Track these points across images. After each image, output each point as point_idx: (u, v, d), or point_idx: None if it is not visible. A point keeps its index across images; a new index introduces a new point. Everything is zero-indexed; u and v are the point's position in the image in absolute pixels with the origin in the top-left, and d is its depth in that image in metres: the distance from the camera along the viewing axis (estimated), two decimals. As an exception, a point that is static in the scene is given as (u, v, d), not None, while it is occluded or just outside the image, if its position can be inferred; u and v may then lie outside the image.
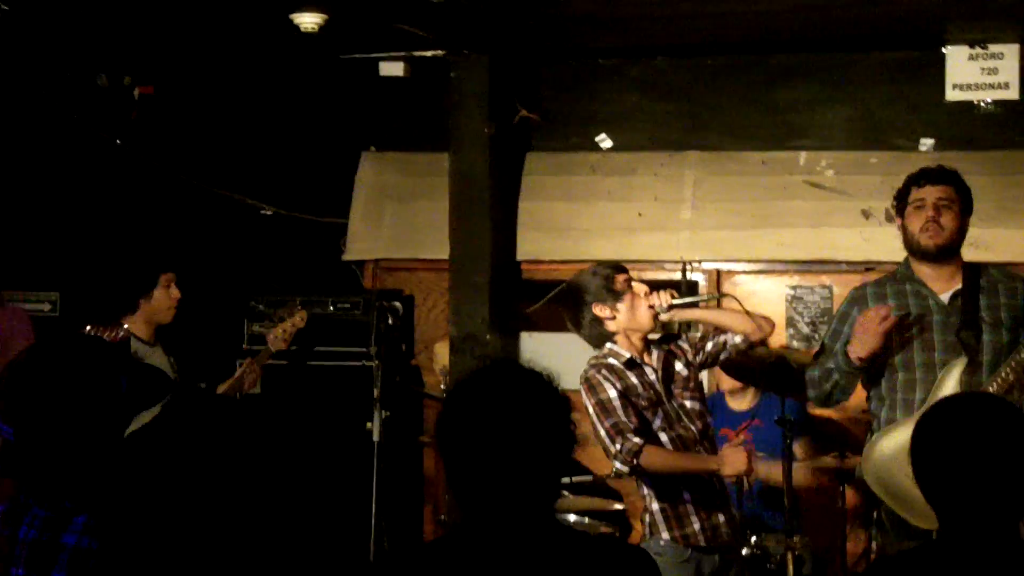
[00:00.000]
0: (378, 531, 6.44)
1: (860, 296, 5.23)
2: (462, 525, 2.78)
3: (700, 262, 7.78)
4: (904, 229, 5.10)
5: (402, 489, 7.32)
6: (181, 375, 6.38)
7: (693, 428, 5.01)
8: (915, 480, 2.98)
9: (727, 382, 6.60)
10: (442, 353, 7.73)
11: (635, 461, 4.78)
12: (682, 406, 5.03)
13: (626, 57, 7.95)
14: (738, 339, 5.17)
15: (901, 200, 5.14)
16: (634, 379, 4.98)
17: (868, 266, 7.56)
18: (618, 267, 5.19)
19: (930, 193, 5.01)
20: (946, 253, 5.06)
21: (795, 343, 7.65)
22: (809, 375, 5.27)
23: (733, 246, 7.73)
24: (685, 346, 5.24)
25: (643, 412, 4.93)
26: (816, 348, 5.51)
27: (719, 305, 6.13)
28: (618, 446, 4.81)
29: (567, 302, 5.20)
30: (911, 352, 5.00)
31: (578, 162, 8.03)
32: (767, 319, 5.23)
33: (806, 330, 7.67)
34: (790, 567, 5.38)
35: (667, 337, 5.32)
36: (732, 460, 4.79)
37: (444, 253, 7.76)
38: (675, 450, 4.93)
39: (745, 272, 7.83)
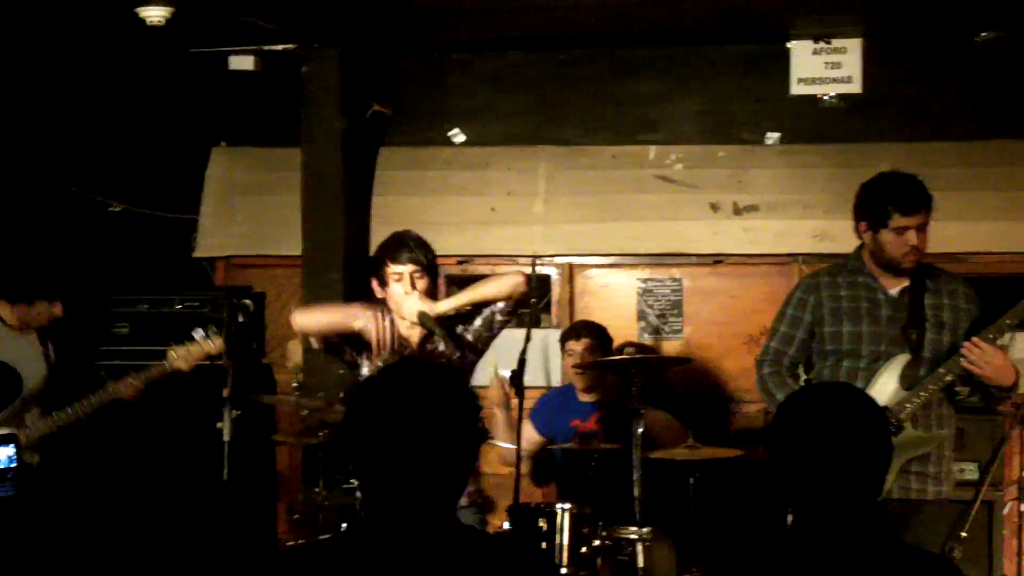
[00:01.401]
0: (230, 530, 6.37)
1: (814, 284, 5.29)
2: (365, 521, 2.80)
3: (553, 256, 7.82)
4: (878, 244, 5.09)
5: (255, 488, 7.24)
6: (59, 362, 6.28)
7: None
8: (771, 466, 3.02)
9: (579, 380, 6.64)
10: (295, 351, 7.66)
11: None
12: None
13: (478, 51, 7.97)
14: (501, 305, 5.32)
15: (876, 216, 5.10)
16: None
17: (717, 259, 7.69)
18: (407, 256, 5.19)
19: (913, 221, 5.03)
20: None
21: (645, 336, 7.74)
22: (760, 375, 5.35)
23: (585, 240, 7.79)
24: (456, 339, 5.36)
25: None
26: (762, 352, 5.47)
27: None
28: None
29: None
30: (859, 342, 5.11)
31: (431, 157, 8.03)
32: (519, 275, 5.36)
33: (656, 322, 7.76)
34: (641, 556, 5.44)
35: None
36: None
37: (297, 249, 7.71)
38: None
39: (597, 266, 7.88)
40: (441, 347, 5.21)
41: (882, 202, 5.07)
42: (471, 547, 2.75)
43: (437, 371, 2.81)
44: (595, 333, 6.65)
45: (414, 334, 5.28)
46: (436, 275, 5.34)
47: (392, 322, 5.19)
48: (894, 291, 5.14)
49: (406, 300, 5.13)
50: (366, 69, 7.88)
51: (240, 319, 6.69)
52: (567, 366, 6.74)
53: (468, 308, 5.27)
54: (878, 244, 5.08)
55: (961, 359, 4.88)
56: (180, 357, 6.23)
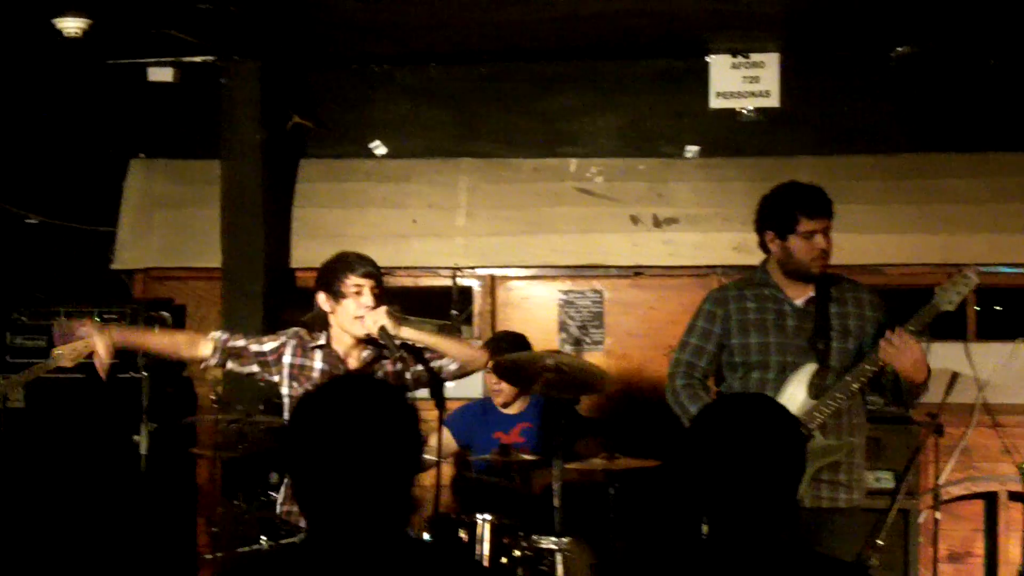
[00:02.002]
0: (148, 544, 6.32)
1: (722, 297, 5.33)
2: (309, 536, 2.76)
3: (474, 268, 7.83)
4: (786, 251, 5.14)
5: (174, 502, 7.18)
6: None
7: None
8: (686, 478, 3.03)
9: (500, 391, 6.63)
10: (214, 364, 7.59)
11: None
12: None
13: (399, 64, 7.96)
14: (454, 366, 5.34)
15: (782, 223, 5.16)
16: (316, 362, 5.25)
17: (637, 271, 7.73)
18: (364, 271, 5.21)
19: (819, 225, 5.11)
20: None
21: (567, 347, 7.76)
22: (672, 387, 5.37)
23: (506, 252, 7.80)
24: (399, 365, 5.34)
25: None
26: (676, 357, 5.45)
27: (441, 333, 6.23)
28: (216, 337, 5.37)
29: (318, 277, 5.33)
30: (767, 353, 5.15)
31: (352, 169, 8.01)
32: (483, 352, 5.50)
33: (577, 333, 7.79)
34: (560, 567, 5.45)
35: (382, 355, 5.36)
36: None
37: (217, 261, 7.66)
38: None
39: (518, 278, 7.91)
40: (385, 370, 5.22)
41: (788, 208, 5.14)
42: (422, 561, 2.76)
43: (374, 385, 2.81)
44: (515, 345, 6.66)
45: (355, 355, 5.26)
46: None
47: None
48: (800, 302, 5.19)
49: (368, 313, 5.11)
50: (286, 81, 7.85)
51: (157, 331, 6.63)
52: (489, 378, 6.73)
53: (418, 348, 5.24)
54: (786, 251, 5.13)
55: (882, 342, 4.91)
56: (65, 355, 6.18)
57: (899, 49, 7.47)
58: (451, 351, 5.32)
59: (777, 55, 7.59)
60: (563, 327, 7.83)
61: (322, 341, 5.25)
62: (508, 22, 6.95)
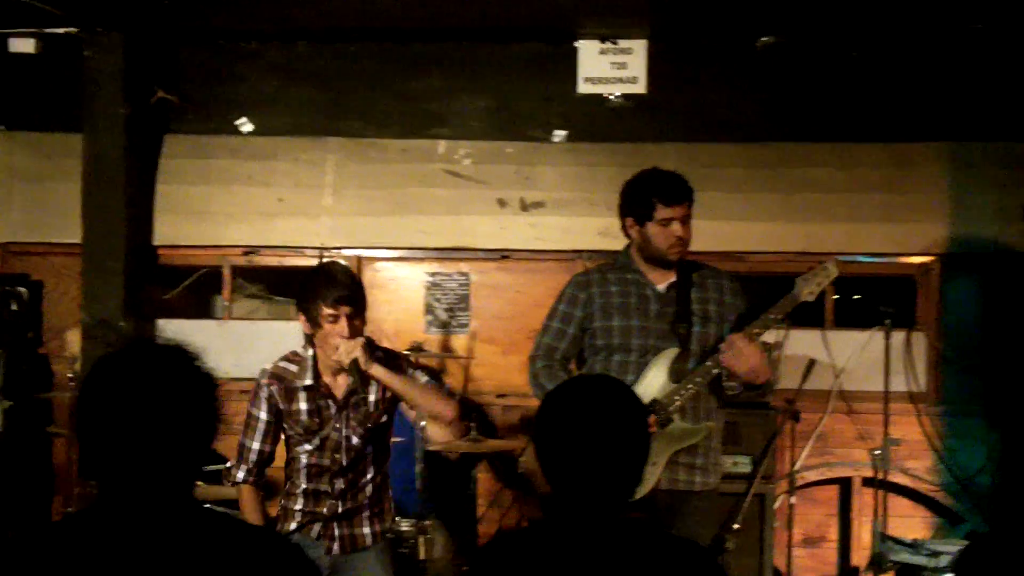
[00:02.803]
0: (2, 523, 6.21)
1: (585, 281, 5.37)
2: (96, 504, 2.72)
3: (340, 249, 7.79)
4: (644, 237, 5.19)
5: (29, 480, 7.06)
6: None
7: (343, 460, 4.96)
8: (536, 457, 3.07)
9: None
10: (73, 340, 7.49)
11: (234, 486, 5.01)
12: (347, 438, 4.96)
13: (268, 41, 7.88)
14: (413, 414, 5.25)
15: (641, 209, 5.21)
16: (301, 404, 4.93)
17: (504, 253, 7.76)
18: (336, 297, 4.78)
19: (677, 212, 5.15)
20: None
21: (433, 329, 7.77)
22: (533, 370, 5.40)
23: (373, 233, 7.78)
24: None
25: (293, 435, 4.95)
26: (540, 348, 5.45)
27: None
28: (231, 465, 4.98)
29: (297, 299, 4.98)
30: (630, 336, 5.19)
31: (218, 146, 7.92)
32: (451, 407, 5.11)
33: (444, 316, 7.80)
34: (421, 548, 5.47)
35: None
36: None
37: (77, 237, 7.52)
38: (307, 478, 4.93)
39: (385, 259, 7.89)
40: (370, 399, 4.95)
41: (646, 195, 5.20)
42: (213, 530, 2.74)
43: (170, 353, 2.78)
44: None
45: (342, 380, 4.97)
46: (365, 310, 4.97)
47: None
48: (662, 287, 5.25)
49: (343, 343, 4.79)
50: (152, 55, 7.74)
51: (13, 307, 6.52)
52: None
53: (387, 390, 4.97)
54: (645, 237, 5.20)
55: (720, 355, 5.01)
56: None
57: (764, 39, 7.58)
58: (417, 402, 5.07)
59: (645, 42, 7.65)
60: (429, 309, 7.83)
61: (308, 381, 4.91)
62: (377, 1, 6.92)
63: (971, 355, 7.55)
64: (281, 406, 4.91)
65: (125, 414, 2.65)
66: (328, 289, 4.77)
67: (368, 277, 7.84)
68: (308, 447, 4.91)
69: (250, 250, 7.84)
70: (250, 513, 4.91)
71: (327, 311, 4.76)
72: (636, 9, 7.15)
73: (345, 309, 4.77)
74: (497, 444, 6.79)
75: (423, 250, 7.84)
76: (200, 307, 8.17)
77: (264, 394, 4.92)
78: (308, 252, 7.76)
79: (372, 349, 4.88)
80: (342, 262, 4.96)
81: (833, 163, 7.66)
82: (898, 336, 7.51)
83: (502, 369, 7.75)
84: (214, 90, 7.95)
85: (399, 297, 7.82)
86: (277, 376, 4.93)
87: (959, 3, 6.80)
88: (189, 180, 7.85)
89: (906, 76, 7.62)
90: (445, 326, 7.78)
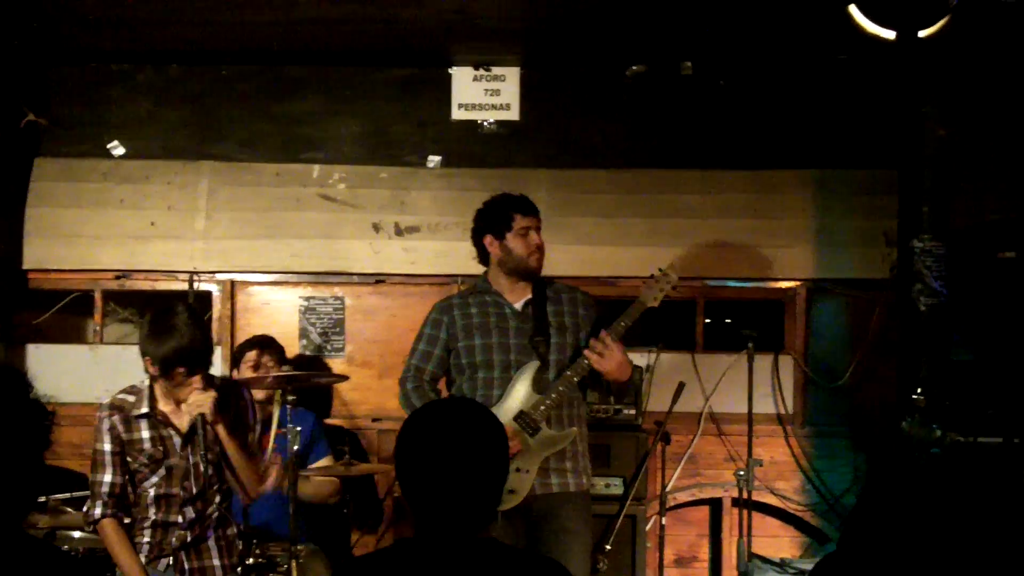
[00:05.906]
0: None
1: (447, 305, 5.77)
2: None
3: (214, 272, 7.75)
4: (505, 250, 5.63)
5: None
6: None
7: (193, 488, 4.96)
8: (398, 480, 3.14)
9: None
10: (-61, 365, 7.36)
11: (93, 528, 4.96)
12: (195, 465, 4.95)
13: (139, 63, 7.82)
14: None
15: (499, 223, 5.65)
16: (143, 432, 4.95)
17: (379, 278, 7.77)
18: (174, 354, 4.79)
19: (532, 222, 5.62)
20: None
21: (307, 353, 7.76)
22: (404, 391, 5.68)
23: (247, 256, 7.75)
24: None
25: (139, 467, 4.95)
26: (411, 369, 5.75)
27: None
28: (86, 507, 4.95)
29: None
30: (491, 354, 5.56)
31: (89, 168, 7.83)
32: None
33: (318, 340, 7.79)
34: (294, 573, 5.47)
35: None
36: None
37: (-56, 261, 7.40)
38: (155, 509, 4.95)
39: (259, 283, 7.85)
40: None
41: (503, 210, 5.65)
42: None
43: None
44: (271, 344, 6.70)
45: (179, 410, 4.98)
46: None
47: None
48: (519, 305, 5.64)
49: (193, 396, 4.85)
50: (20, 77, 7.64)
51: None
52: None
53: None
54: (506, 250, 5.62)
55: (587, 352, 5.39)
56: None
57: (634, 68, 7.71)
58: (241, 476, 5.03)
59: (518, 69, 7.76)
60: (304, 334, 7.82)
61: (144, 409, 4.93)
62: (247, 23, 6.93)
63: (837, 377, 7.71)
64: (124, 436, 4.93)
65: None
66: (155, 347, 4.79)
67: (241, 301, 7.81)
68: (155, 479, 4.96)
69: (122, 274, 7.77)
70: (116, 546, 4.87)
71: (178, 371, 4.83)
72: (508, 36, 7.24)
73: (198, 368, 4.86)
74: (370, 468, 6.81)
75: (297, 274, 7.82)
76: (72, 332, 8.06)
77: (105, 426, 4.94)
78: (181, 276, 7.71)
79: (224, 401, 4.92)
80: (189, 307, 4.89)
81: (701, 189, 7.78)
82: (766, 359, 7.67)
83: (377, 392, 7.75)
84: (85, 112, 7.86)
85: (273, 321, 7.78)
86: (116, 407, 4.97)
87: (824, 35, 6.99)
88: (60, 203, 7.75)
89: (772, 104, 7.80)
90: (320, 350, 7.77)
